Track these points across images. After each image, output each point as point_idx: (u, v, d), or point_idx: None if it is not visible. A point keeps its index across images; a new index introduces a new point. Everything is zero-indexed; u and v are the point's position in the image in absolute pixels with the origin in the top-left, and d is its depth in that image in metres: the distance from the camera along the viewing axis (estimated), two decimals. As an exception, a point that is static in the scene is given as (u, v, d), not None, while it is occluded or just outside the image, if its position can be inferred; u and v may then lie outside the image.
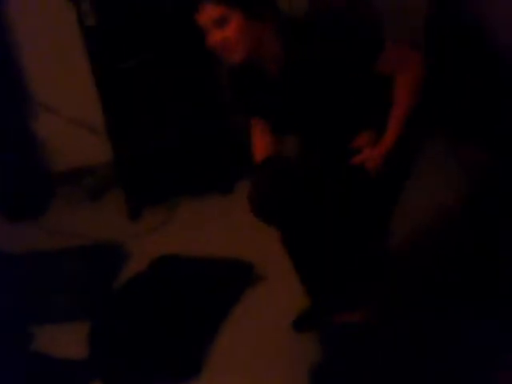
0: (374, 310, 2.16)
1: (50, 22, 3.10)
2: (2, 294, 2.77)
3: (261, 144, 2.03)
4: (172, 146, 3.09)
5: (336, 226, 1.96)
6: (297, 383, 2.09)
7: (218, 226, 2.99)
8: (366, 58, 1.72)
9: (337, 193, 1.92)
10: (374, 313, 2.15)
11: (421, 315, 2.24)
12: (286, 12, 1.81)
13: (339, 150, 1.94)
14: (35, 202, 3.38)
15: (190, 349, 2.31)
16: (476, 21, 3.04)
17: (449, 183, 2.98)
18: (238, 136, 3.32)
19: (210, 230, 2.96)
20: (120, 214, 3.18)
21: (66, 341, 2.44)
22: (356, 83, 1.79)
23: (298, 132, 2.06)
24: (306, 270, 2.16)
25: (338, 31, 1.70)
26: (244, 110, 2.05)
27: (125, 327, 2.47)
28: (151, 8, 2.83)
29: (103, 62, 2.88)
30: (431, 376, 2.03)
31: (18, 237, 3.15)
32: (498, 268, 2.36)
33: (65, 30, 3.04)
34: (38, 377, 2.37)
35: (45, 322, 2.60)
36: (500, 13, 2.85)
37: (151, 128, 3.05)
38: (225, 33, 1.63)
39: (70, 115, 3.31)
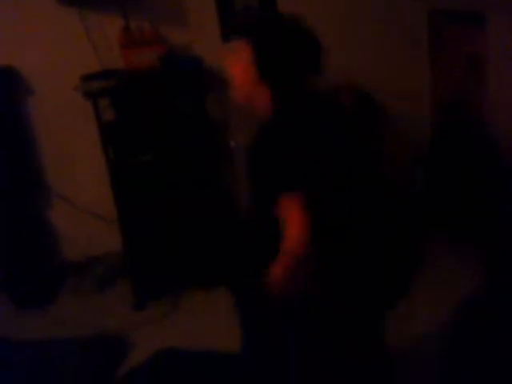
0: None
1: (68, 116, 3.27)
2: (5, 381, 2.77)
3: None
4: (181, 237, 3.14)
5: None
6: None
7: (223, 320, 2.96)
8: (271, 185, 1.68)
9: None
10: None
11: None
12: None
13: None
14: (44, 290, 3.40)
15: None
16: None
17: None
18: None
19: (214, 323, 2.92)
20: (126, 304, 3.18)
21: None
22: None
23: None
24: None
25: (282, 141, 1.66)
26: None
27: None
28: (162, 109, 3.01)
29: (117, 156, 3.00)
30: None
31: (24, 324, 3.15)
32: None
33: (81, 124, 3.19)
34: None
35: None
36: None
37: (160, 219, 3.11)
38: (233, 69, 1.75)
39: (83, 206, 3.41)
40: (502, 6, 2.92)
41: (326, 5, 3.39)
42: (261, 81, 1.72)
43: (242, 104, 1.80)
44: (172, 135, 3.03)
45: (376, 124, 2.32)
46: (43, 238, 3.45)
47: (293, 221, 1.65)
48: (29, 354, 2.95)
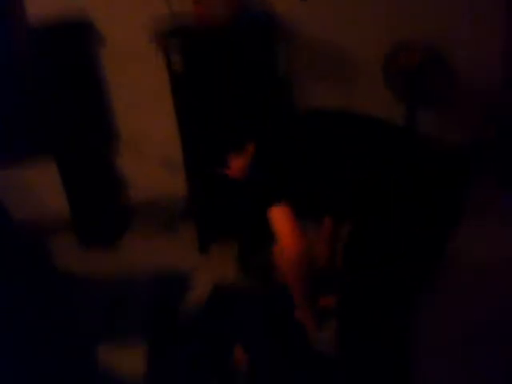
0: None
1: (138, 68, 3.36)
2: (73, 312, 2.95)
3: None
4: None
5: None
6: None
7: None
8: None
9: None
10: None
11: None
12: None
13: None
14: (110, 231, 3.58)
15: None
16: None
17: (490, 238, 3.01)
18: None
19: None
20: (190, 246, 3.33)
21: (126, 361, 2.58)
22: None
23: None
24: None
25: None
26: None
27: (181, 354, 2.58)
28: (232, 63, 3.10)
29: (186, 105, 3.11)
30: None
31: (92, 262, 3.33)
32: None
33: (151, 75, 3.29)
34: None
35: (108, 342, 2.75)
36: None
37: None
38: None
39: (150, 152, 3.56)
40: None
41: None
42: None
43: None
44: (239, 88, 3.11)
45: (443, 81, 2.41)
46: (111, 182, 3.60)
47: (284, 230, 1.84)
48: (94, 291, 3.08)
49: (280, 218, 1.85)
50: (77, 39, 3.25)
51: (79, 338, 2.81)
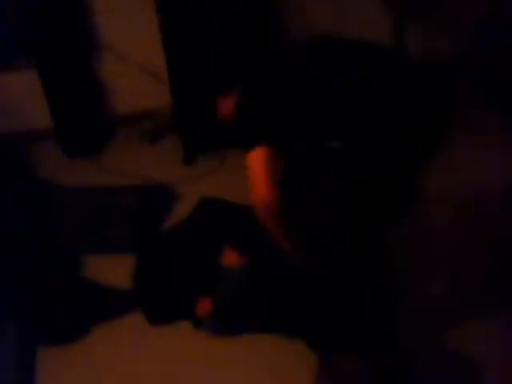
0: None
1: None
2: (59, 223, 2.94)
3: None
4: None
5: None
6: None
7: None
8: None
9: None
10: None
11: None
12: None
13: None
14: (95, 141, 3.50)
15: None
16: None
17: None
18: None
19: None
20: (175, 158, 3.30)
21: (113, 272, 2.61)
22: None
23: None
24: None
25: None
26: None
27: (168, 264, 2.62)
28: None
29: (169, 10, 2.95)
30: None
31: (76, 173, 3.29)
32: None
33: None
34: (83, 300, 2.58)
35: (95, 252, 2.77)
36: None
37: (211, 77, 3.10)
38: None
39: (134, 60, 3.41)
40: None
41: None
42: None
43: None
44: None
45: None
46: (94, 91, 3.48)
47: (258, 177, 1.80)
48: (81, 198, 3.05)
49: (257, 164, 1.79)
50: None
51: (65, 248, 2.83)
